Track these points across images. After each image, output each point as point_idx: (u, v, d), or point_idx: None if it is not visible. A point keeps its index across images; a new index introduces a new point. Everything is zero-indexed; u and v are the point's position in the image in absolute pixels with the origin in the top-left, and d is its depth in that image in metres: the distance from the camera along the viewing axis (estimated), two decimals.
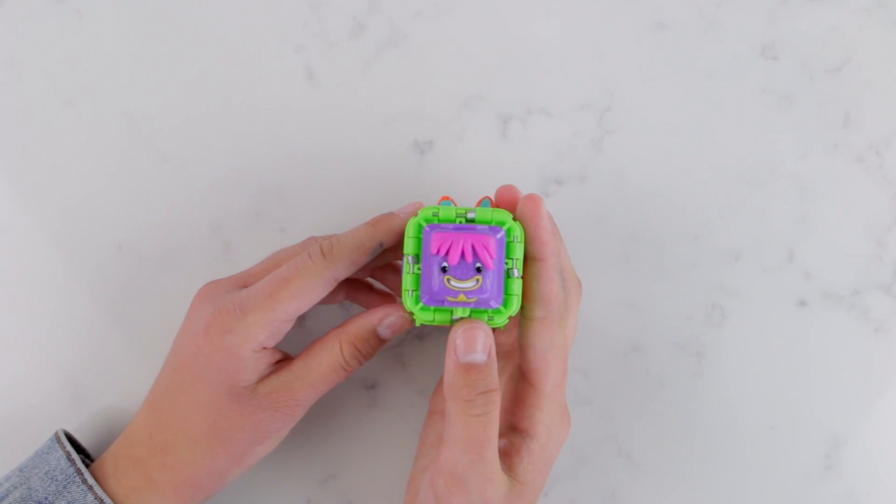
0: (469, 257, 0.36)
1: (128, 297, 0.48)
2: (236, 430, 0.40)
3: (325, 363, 0.40)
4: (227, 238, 0.49)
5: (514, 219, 0.38)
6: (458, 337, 0.37)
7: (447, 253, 0.36)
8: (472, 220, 0.37)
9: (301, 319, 0.47)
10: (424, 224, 0.37)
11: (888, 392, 0.48)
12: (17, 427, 0.47)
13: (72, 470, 0.40)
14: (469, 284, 0.37)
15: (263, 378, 0.40)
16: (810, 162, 0.49)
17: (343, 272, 0.40)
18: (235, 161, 0.49)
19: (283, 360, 0.42)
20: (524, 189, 0.48)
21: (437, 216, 0.38)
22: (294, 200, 0.49)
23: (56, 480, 0.40)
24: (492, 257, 0.36)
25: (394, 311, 0.41)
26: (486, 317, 0.37)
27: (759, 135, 0.49)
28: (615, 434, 0.48)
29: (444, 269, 0.37)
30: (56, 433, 0.42)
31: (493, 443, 0.37)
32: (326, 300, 0.43)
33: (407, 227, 0.38)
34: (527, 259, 0.38)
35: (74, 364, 0.48)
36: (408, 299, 0.38)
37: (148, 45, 0.49)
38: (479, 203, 0.39)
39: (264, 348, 0.40)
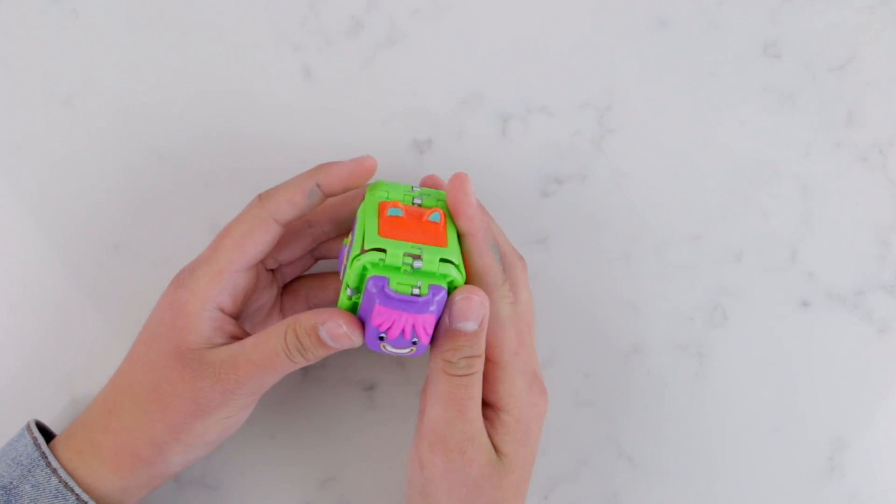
0: (408, 335, 0.38)
1: (124, 298, 0.48)
2: (175, 396, 0.39)
3: (269, 345, 0.39)
4: None
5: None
6: (456, 301, 0.37)
7: (387, 330, 0.38)
8: (419, 206, 0.39)
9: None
10: (370, 269, 0.37)
11: (892, 393, 0.48)
12: (11, 429, 0.47)
13: (37, 454, 0.40)
14: (404, 351, 0.39)
15: (214, 346, 0.40)
16: (813, 161, 0.49)
17: (282, 213, 0.40)
18: (233, 160, 0.49)
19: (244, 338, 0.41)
20: (525, 188, 0.48)
21: (388, 195, 0.39)
22: None
23: (21, 465, 0.40)
24: (428, 335, 0.38)
25: (342, 320, 0.38)
26: None
27: (762, 134, 0.49)
28: (616, 436, 0.48)
29: (381, 338, 0.38)
30: (28, 423, 0.42)
31: (474, 403, 0.38)
32: (292, 256, 0.44)
33: (353, 262, 0.37)
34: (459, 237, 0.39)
35: (69, 365, 0.48)
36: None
37: (144, 43, 0.49)
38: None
39: (219, 310, 0.40)
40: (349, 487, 0.48)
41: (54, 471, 0.39)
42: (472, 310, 0.37)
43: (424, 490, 0.39)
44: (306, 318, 0.39)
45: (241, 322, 0.43)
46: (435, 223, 0.38)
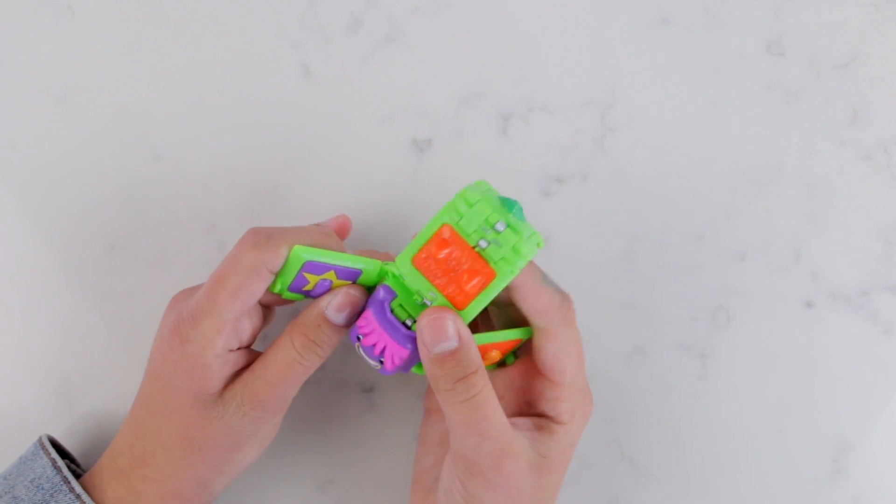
0: (377, 352, 0.39)
1: (120, 299, 0.48)
2: (208, 438, 0.40)
3: (279, 359, 0.40)
4: (221, 238, 0.48)
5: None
6: (424, 330, 0.37)
7: (365, 335, 0.39)
8: (482, 249, 0.38)
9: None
10: (391, 279, 0.40)
11: None
12: (7, 430, 0.47)
13: (58, 478, 0.40)
14: (371, 362, 0.40)
15: (230, 383, 0.40)
16: (817, 160, 0.48)
17: (276, 265, 0.39)
18: (230, 160, 0.49)
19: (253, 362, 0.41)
20: (526, 188, 0.48)
21: (459, 222, 0.38)
22: (290, 200, 0.48)
23: (42, 489, 0.40)
24: (394, 364, 0.39)
25: (338, 292, 0.40)
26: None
27: (765, 132, 0.49)
28: (618, 438, 0.48)
29: (358, 338, 0.40)
30: (40, 439, 0.42)
31: (492, 421, 0.37)
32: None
33: (391, 264, 0.39)
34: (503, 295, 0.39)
35: (66, 367, 0.48)
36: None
37: (141, 41, 0.49)
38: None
39: (230, 351, 0.40)
40: (348, 490, 0.47)
41: (78, 496, 0.40)
42: (443, 328, 0.37)
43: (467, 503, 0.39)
44: (305, 316, 0.40)
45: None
46: (472, 283, 0.38)
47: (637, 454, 0.48)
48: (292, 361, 0.40)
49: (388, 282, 0.39)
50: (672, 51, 0.49)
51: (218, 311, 0.39)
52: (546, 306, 0.39)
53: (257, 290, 0.39)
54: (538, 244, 0.38)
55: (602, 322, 0.48)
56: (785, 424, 0.47)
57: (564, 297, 0.39)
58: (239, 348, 0.41)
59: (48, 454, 0.41)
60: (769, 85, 0.49)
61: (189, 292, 0.42)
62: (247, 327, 0.40)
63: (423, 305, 0.38)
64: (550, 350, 0.39)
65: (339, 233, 0.44)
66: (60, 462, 0.41)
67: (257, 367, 0.40)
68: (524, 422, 0.40)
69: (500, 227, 0.37)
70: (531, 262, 0.39)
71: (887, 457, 0.47)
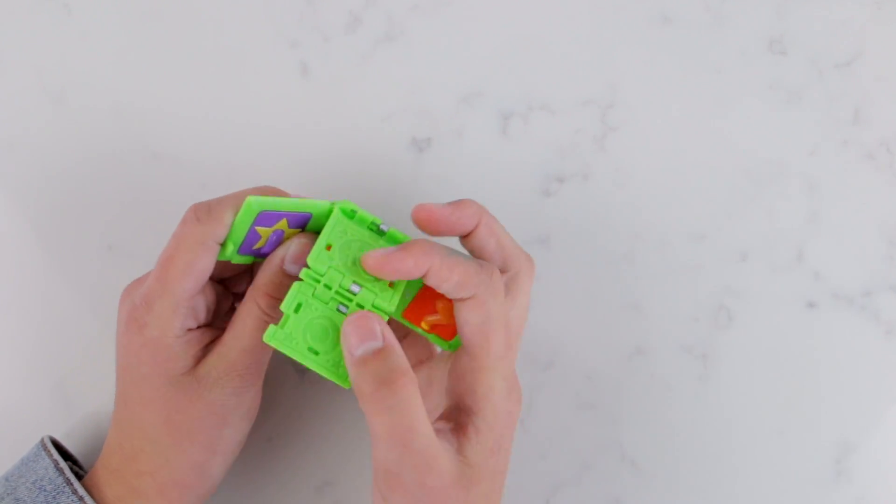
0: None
1: (118, 300, 0.47)
2: (193, 419, 0.39)
3: (248, 324, 0.39)
4: None
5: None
6: (348, 331, 0.36)
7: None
8: (350, 296, 0.38)
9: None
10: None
11: None
12: (4, 430, 0.47)
13: (60, 479, 0.40)
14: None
15: (201, 360, 0.40)
16: (819, 159, 0.48)
17: (221, 235, 0.39)
18: (228, 159, 0.48)
19: (219, 337, 0.41)
20: (526, 187, 0.48)
21: (316, 282, 0.38)
22: None
23: (45, 490, 0.39)
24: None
25: (291, 242, 0.39)
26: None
27: (767, 131, 0.49)
28: (619, 439, 0.47)
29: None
30: (42, 440, 0.42)
31: (417, 432, 0.35)
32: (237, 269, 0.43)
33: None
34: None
35: (63, 368, 0.48)
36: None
37: (138, 39, 0.49)
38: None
39: (189, 330, 0.40)
40: (346, 492, 0.47)
41: (81, 498, 0.39)
42: (369, 327, 0.36)
43: None
44: (263, 275, 0.39)
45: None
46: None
47: (638, 455, 0.47)
48: (261, 324, 0.39)
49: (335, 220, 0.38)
50: (673, 49, 0.49)
51: (170, 291, 0.38)
52: (465, 276, 0.36)
53: (207, 265, 0.38)
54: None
55: (602, 322, 0.48)
56: (787, 426, 0.47)
57: (483, 265, 0.37)
58: (199, 327, 0.40)
59: (50, 455, 0.41)
60: (771, 84, 0.49)
61: (140, 281, 0.41)
62: (202, 305, 0.40)
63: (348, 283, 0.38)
64: (474, 321, 0.37)
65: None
66: (63, 463, 0.40)
67: (227, 337, 0.40)
68: (445, 426, 0.38)
69: (383, 230, 0.39)
70: (432, 244, 0.37)
71: (890, 458, 0.47)
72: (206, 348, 0.40)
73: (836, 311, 0.48)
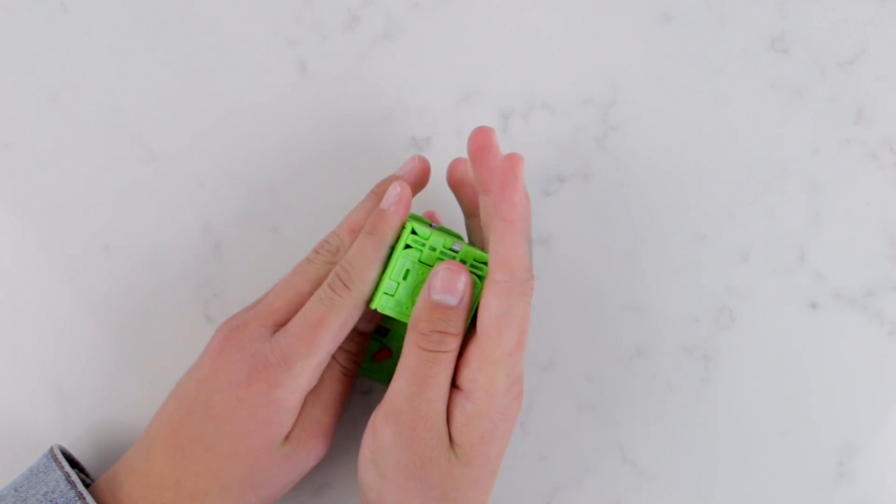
0: None
1: (115, 301, 0.48)
2: (273, 478, 0.40)
3: (327, 380, 0.42)
4: (217, 239, 0.48)
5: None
6: (436, 275, 0.38)
7: None
8: (454, 254, 0.40)
9: None
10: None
11: None
12: (0, 433, 0.46)
13: (72, 493, 0.39)
14: None
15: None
16: (822, 159, 0.48)
17: (369, 293, 0.40)
18: (226, 159, 0.48)
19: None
20: (526, 187, 0.48)
21: (422, 246, 0.40)
22: (287, 199, 0.48)
23: (55, 503, 0.39)
24: None
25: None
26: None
27: (769, 131, 0.49)
28: (620, 441, 0.47)
29: None
30: (52, 450, 0.41)
31: (438, 383, 0.38)
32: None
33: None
34: (490, 217, 0.38)
35: (60, 369, 0.47)
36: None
37: (135, 38, 0.49)
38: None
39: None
40: (346, 494, 0.47)
41: None
42: (455, 285, 0.38)
43: (374, 458, 0.39)
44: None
45: None
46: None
47: (639, 457, 0.47)
48: (340, 375, 0.42)
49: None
50: (674, 48, 0.49)
51: (317, 353, 0.39)
52: (517, 259, 0.37)
53: (350, 328, 0.40)
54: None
55: (603, 323, 0.48)
56: (789, 427, 0.47)
57: (529, 269, 0.38)
58: None
59: (62, 468, 0.40)
60: (773, 82, 0.49)
61: (246, 328, 0.40)
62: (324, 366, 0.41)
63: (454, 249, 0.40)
64: (495, 310, 0.37)
65: (420, 180, 0.44)
66: (74, 476, 0.40)
67: (310, 398, 0.41)
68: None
69: (457, 249, 0.40)
70: (529, 213, 0.39)
71: (893, 460, 0.47)
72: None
73: (838, 311, 0.48)
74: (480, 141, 0.39)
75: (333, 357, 0.41)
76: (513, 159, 0.37)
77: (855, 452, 0.47)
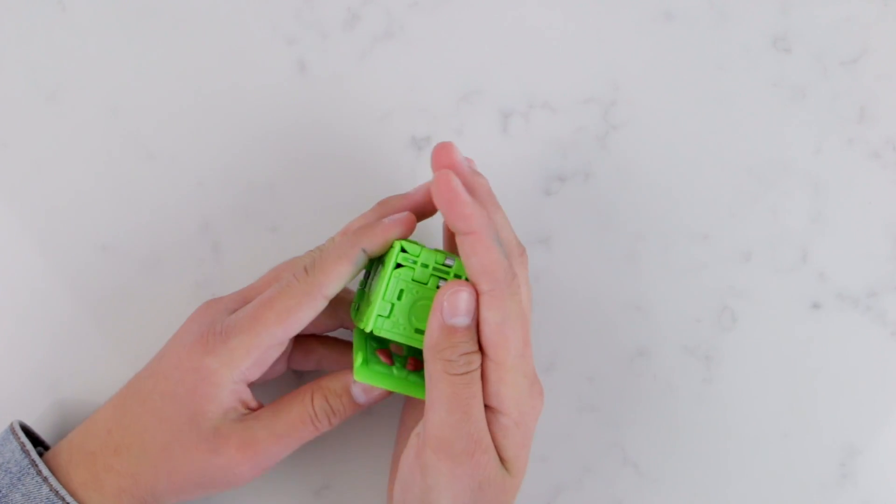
0: None
1: (112, 300, 0.47)
2: (187, 463, 0.39)
3: (293, 412, 0.40)
4: (215, 238, 0.48)
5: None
6: (444, 298, 0.37)
7: None
8: (447, 269, 0.39)
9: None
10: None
11: None
12: None
13: (26, 461, 0.39)
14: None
15: (230, 419, 0.40)
16: (824, 158, 0.48)
17: (330, 287, 0.39)
18: (225, 158, 0.48)
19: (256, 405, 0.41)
20: (527, 186, 0.48)
21: (414, 270, 0.39)
22: (286, 199, 0.48)
23: (10, 472, 0.39)
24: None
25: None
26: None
27: (771, 130, 0.49)
28: (621, 442, 0.47)
29: None
30: (11, 424, 0.42)
31: (477, 403, 0.37)
32: (322, 327, 0.44)
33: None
34: (455, 234, 0.38)
35: (57, 368, 0.47)
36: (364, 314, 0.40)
37: (133, 37, 0.49)
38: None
39: (245, 382, 0.40)
40: (345, 495, 0.47)
41: (45, 479, 0.39)
42: (462, 305, 0.37)
43: (426, 498, 0.38)
44: (331, 380, 0.40)
45: None
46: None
47: (640, 458, 0.47)
48: (306, 418, 0.40)
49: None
50: (676, 46, 0.49)
51: (258, 331, 0.38)
52: (495, 265, 0.37)
53: (305, 317, 0.39)
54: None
55: (605, 323, 0.47)
56: (791, 428, 0.47)
57: (510, 267, 0.38)
58: (250, 384, 0.40)
59: (17, 438, 0.40)
60: (775, 81, 0.49)
61: (219, 303, 0.41)
62: (271, 358, 0.40)
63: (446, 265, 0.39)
64: (494, 320, 0.37)
65: (405, 233, 0.41)
66: (29, 445, 0.40)
67: (264, 414, 0.40)
68: None
69: (449, 262, 0.39)
70: (491, 213, 0.39)
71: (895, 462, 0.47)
72: (244, 412, 0.40)
73: (841, 311, 0.48)
74: (445, 188, 0.37)
75: (311, 397, 0.40)
76: (442, 177, 0.36)
77: (857, 453, 0.47)
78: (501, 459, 0.38)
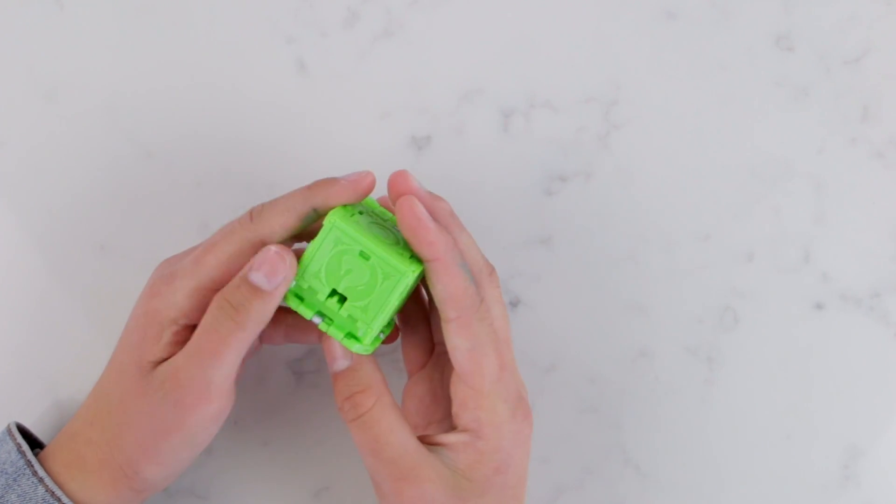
0: None
1: (111, 300, 0.47)
2: (137, 412, 0.38)
3: (199, 328, 0.37)
4: None
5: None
6: (324, 351, 0.38)
7: None
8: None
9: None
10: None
11: None
12: None
13: (22, 462, 0.39)
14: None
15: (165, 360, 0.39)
16: (827, 158, 0.48)
17: (273, 235, 0.38)
18: (223, 157, 0.48)
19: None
20: (528, 186, 0.48)
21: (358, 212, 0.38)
22: None
23: (6, 474, 0.39)
24: None
25: (271, 247, 0.37)
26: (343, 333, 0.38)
27: (774, 129, 0.48)
28: (623, 443, 0.47)
29: None
30: (7, 426, 0.42)
31: (386, 443, 0.37)
32: (269, 339, 0.43)
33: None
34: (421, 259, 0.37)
35: (54, 368, 0.47)
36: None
37: (132, 35, 0.49)
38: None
39: (189, 327, 0.38)
40: (344, 497, 0.47)
41: (41, 480, 0.39)
42: (336, 350, 0.38)
43: None
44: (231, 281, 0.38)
45: None
46: None
47: (642, 460, 0.47)
48: (208, 327, 0.37)
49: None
50: (678, 46, 0.49)
51: (198, 273, 0.38)
52: (460, 291, 0.37)
53: (244, 261, 0.38)
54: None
55: (606, 324, 0.47)
56: (794, 429, 0.47)
57: (476, 293, 0.37)
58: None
59: (14, 439, 0.40)
60: (778, 81, 0.48)
61: (174, 257, 0.42)
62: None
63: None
64: (464, 347, 0.37)
65: (362, 192, 0.40)
66: (25, 446, 0.40)
67: (188, 345, 0.38)
68: (452, 437, 0.38)
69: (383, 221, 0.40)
70: (455, 237, 0.38)
71: None
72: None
73: (844, 312, 0.47)
74: (409, 214, 0.36)
75: (210, 306, 0.37)
76: (407, 202, 0.36)
77: (861, 455, 0.47)
78: (464, 478, 0.38)
